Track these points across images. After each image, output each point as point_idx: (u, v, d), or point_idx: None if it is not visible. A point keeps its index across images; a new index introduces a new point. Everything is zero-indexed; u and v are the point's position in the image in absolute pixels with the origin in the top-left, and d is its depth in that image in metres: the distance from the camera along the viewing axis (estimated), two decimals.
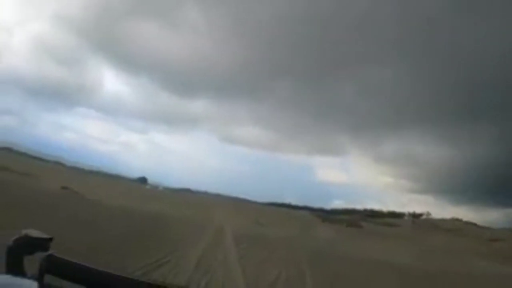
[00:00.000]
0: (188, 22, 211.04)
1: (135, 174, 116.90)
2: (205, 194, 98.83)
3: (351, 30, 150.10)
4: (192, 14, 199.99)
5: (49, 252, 1.51)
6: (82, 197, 28.85)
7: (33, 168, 47.86)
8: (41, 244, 1.54)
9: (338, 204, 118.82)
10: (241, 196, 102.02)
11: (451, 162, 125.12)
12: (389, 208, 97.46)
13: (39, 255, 1.50)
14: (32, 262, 1.54)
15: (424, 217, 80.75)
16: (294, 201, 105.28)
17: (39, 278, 1.47)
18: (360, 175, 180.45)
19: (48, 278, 1.48)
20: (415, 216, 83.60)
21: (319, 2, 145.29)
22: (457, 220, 71.52)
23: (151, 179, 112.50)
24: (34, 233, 1.57)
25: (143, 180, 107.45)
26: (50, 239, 1.56)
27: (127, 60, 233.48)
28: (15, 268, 1.52)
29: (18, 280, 1.49)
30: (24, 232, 1.55)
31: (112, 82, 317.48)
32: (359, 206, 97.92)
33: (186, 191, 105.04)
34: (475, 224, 66.23)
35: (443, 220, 72.65)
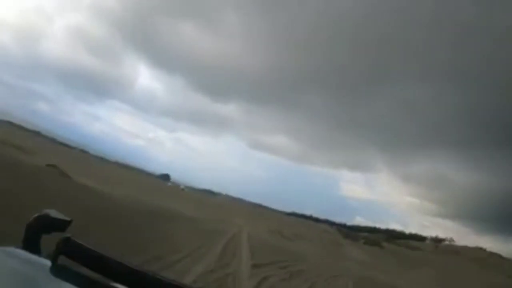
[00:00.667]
0: (226, 26, 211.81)
1: (160, 170, 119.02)
2: (226, 197, 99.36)
3: (389, 46, 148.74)
4: (230, 19, 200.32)
5: (67, 234, 1.53)
6: (66, 177, 24.99)
7: (43, 150, 45.71)
8: (60, 225, 1.57)
9: (359, 220, 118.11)
10: (263, 203, 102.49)
11: (480, 188, 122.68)
12: (411, 230, 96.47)
13: (57, 236, 1.52)
14: (50, 241, 1.55)
15: (446, 242, 79.45)
16: (315, 214, 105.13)
17: (53, 258, 1.49)
18: (385, 194, 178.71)
19: (63, 260, 1.49)
20: (437, 240, 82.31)
21: (355, 19, 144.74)
22: (481, 249, 70.16)
23: (175, 177, 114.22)
24: (54, 213, 1.59)
25: (165, 177, 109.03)
26: (70, 222, 1.59)
27: (162, 57, 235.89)
28: (32, 245, 1.55)
29: (33, 257, 1.52)
30: (44, 211, 1.57)
31: (146, 78, 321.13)
32: (380, 225, 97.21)
33: (208, 192, 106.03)
34: (499, 255, 64.70)
35: (466, 248, 71.30)
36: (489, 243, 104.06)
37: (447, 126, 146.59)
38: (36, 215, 1.56)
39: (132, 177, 69.21)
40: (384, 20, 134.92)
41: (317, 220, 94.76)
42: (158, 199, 33.38)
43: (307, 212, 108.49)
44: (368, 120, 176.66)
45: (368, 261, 36.51)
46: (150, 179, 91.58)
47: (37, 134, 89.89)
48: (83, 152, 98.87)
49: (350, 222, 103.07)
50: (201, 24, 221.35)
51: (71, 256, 1.49)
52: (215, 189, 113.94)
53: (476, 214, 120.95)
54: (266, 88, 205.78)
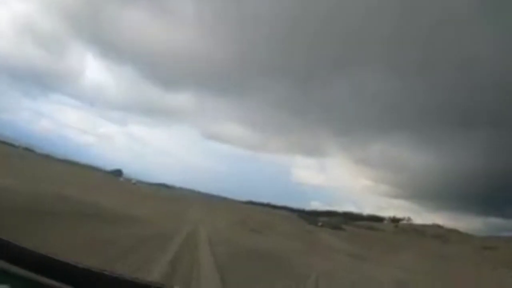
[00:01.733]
0: (177, 11, 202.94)
1: (113, 166, 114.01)
2: (181, 190, 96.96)
3: (347, 30, 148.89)
4: (182, 3, 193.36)
5: None
6: None
7: None
8: None
9: (315, 205, 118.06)
10: (219, 193, 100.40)
11: (434, 168, 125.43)
12: (367, 212, 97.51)
13: None
14: None
15: (404, 222, 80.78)
16: (272, 201, 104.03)
17: None
18: (339, 177, 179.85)
19: None
20: (394, 220, 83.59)
21: (317, 9, 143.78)
22: (439, 226, 71.54)
23: (129, 172, 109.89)
24: None
25: (118, 173, 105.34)
26: None
27: (111, 47, 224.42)
28: None
29: None
30: None
31: (93, 69, 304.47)
32: (337, 208, 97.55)
33: (163, 186, 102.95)
34: (457, 231, 66.19)
35: (424, 226, 72.68)
36: (445, 220, 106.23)
37: (403, 109, 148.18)
38: None
39: (80, 174, 64.81)
40: (344, 10, 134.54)
41: (274, 207, 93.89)
42: (99, 195, 30.40)
43: (264, 200, 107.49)
44: (324, 106, 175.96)
45: (351, 250, 35.19)
46: (99, 175, 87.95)
47: None
48: (28, 150, 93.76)
49: (306, 207, 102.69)
50: (151, 11, 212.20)
51: None
52: (170, 182, 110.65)
53: (430, 193, 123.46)
54: (221, 76, 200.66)
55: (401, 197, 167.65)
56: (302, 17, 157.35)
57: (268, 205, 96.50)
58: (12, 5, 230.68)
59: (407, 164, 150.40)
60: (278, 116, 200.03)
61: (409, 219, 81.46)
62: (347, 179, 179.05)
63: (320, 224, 68.41)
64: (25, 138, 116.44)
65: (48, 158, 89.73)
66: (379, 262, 27.49)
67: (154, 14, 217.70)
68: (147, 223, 20.84)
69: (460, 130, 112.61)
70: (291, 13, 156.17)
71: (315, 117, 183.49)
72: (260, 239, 29.76)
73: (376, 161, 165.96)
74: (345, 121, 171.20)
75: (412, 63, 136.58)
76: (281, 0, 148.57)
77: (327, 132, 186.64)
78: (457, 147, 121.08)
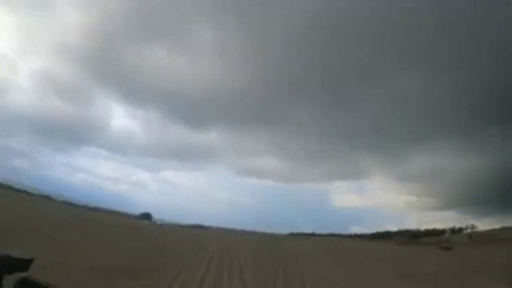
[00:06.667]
0: (198, 44, 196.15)
1: (143, 211, 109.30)
2: (217, 230, 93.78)
3: (375, 42, 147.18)
4: (202, 35, 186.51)
5: (25, 274, 1.48)
6: None
7: None
8: (21, 264, 1.53)
9: (356, 229, 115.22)
10: (257, 229, 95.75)
11: (476, 173, 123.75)
12: (411, 227, 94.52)
13: (18, 275, 1.49)
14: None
15: (469, 230, 78.80)
16: (317, 230, 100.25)
17: None
18: (382, 197, 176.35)
19: None
20: (455, 231, 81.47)
21: (330, 19, 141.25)
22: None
23: (164, 216, 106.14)
24: (15, 253, 1.53)
25: (146, 216, 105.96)
26: (31, 261, 1.56)
27: (135, 91, 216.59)
28: None
29: None
30: (5, 252, 1.52)
31: (120, 117, 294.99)
32: (380, 229, 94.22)
33: (198, 226, 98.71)
34: None
35: (495, 231, 70.85)
36: (491, 225, 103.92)
37: (436, 116, 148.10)
38: None
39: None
40: (361, 16, 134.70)
41: (321, 235, 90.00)
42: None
43: (306, 230, 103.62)
44: (357, 124, 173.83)
45: None
46: (124, 219, 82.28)
47: None
48: (47, 198, 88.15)
49: (351, 231, 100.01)
50: (172, 46, 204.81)
51: None
52: (206, 223, 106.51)
53: (474, 200, 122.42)
54: (247, 108, 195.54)
55: (444, 208, 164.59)
56: (323, 36, 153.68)
57: (314, 235, 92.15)
58: (31, 59, 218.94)
59: (449, 173, 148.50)
60: (312, 143, 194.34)
61: (473, 226, 79.70)
62: (389, 198, 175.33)
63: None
64: (64, 192, 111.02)
65: (66, 204, 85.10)
66: None
67: (175, 49, 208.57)
68: None
69: (504, 130, 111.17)
70: (312, 32, 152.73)
71: (350, 138, 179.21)
72: None
73: (417, 174, 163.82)
74: (381, 137, 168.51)
75: (448, 65, 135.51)
76: (299, 22, 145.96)
77: (363, 152, 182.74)
78: (502, 148, 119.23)
